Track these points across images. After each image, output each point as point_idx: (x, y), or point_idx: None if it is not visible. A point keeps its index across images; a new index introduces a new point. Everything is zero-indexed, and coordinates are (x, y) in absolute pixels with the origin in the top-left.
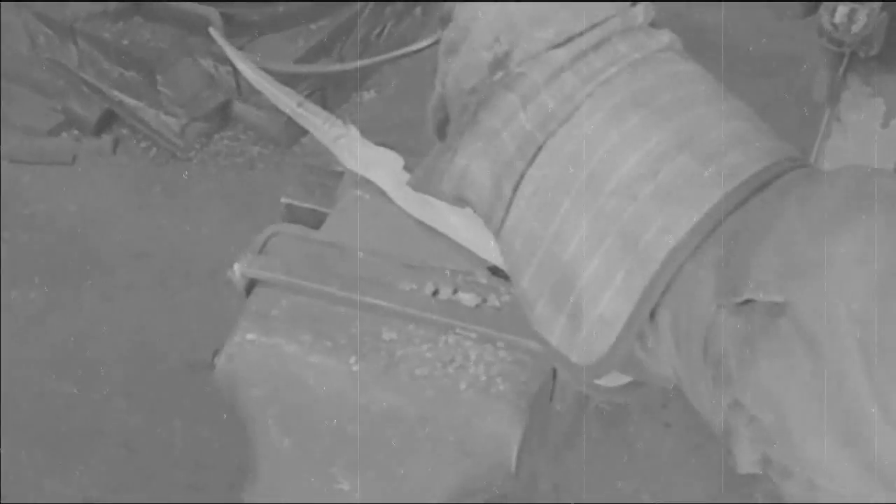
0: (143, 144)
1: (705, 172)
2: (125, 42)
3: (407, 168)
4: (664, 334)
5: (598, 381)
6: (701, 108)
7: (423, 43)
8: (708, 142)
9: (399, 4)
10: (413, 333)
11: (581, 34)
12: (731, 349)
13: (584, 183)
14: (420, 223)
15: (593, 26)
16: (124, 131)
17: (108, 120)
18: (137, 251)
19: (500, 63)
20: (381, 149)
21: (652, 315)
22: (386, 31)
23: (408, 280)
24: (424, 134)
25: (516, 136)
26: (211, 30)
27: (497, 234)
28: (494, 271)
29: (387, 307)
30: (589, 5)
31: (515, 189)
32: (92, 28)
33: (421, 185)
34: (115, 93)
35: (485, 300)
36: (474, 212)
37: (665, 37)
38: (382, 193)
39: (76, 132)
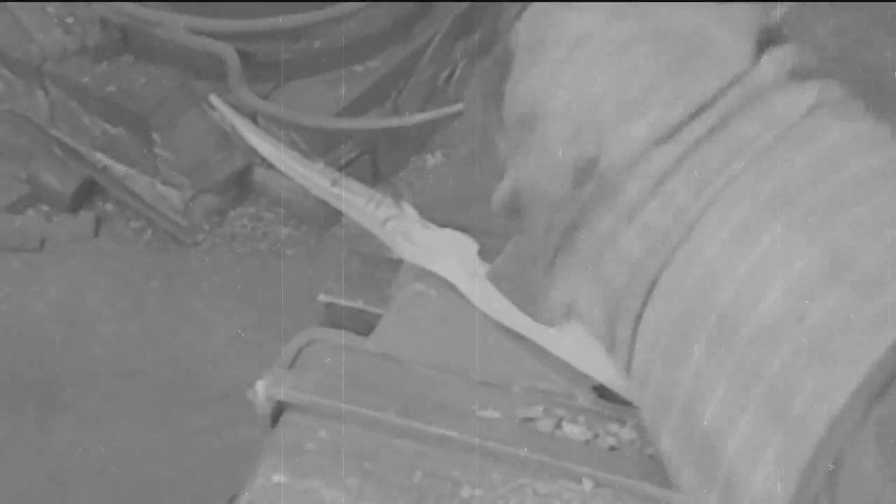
0: (134, 224)
1: (869, 311)
2: (111, 89)
3: (482, 254)
4: None
5: None
6: (865, 204)
7: None
8: (874, 262)
9: (474, 40)
10: (498, 477)
11: (688, 121)
12: None
13: (716, 326)
14: (502, 328)
15: (702, 108)
16: (109, 207)
17: (88, 192)
18: (128, 366)
19: (586, 172)
20: (448, 231)
21: (816, 499)
22: (456, 74)
23: (489, 404)
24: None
25: (623, 267)
26: (212, 97)
27: (626, 369)
28: (601, 392)
29: (461, 440)
30: (694, 74)
31: (634, 332)
32: (67, 70)
33: (502, 281)
34: (98, 156)
35: (596, 435)
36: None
37: (810, 94)
38: (451, 288)
39: (46, 208)
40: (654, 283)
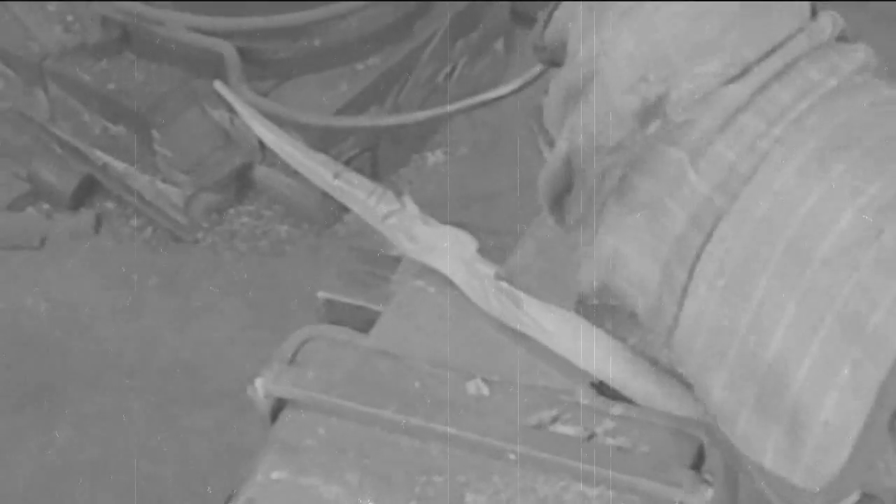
0: (134, 222)
1: None
2: (111, 87)
3: (482, 252)
4: None
5: None
6: None
7: (507, 88)
8: None
9: (474, 38)
10: (494, 473)
11: (758, 62)
12: None
13: (784, 254)
14: (501, 325)
15: (773, 49)
16: (109, 205)
17: (88, 189)
18: (128, 364)
19: (652, 110)
20: (449, 228)
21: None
22: (457, 72)
23: (489, 401)
24: (507, 209)
25: (687, 204)
26: (216, 83)
27: (669, 334)
28: (600, 390)
29: (460, 437)
30: (763, 21)
31: (692, 272)
32: (67, 68)
33: (520, 276)
34: (98, 154)
35: (593, 434)
36: (630, 309)
37: (860, 53)
38: (450, 285)
39: (46, 206)
40: (719, 218)
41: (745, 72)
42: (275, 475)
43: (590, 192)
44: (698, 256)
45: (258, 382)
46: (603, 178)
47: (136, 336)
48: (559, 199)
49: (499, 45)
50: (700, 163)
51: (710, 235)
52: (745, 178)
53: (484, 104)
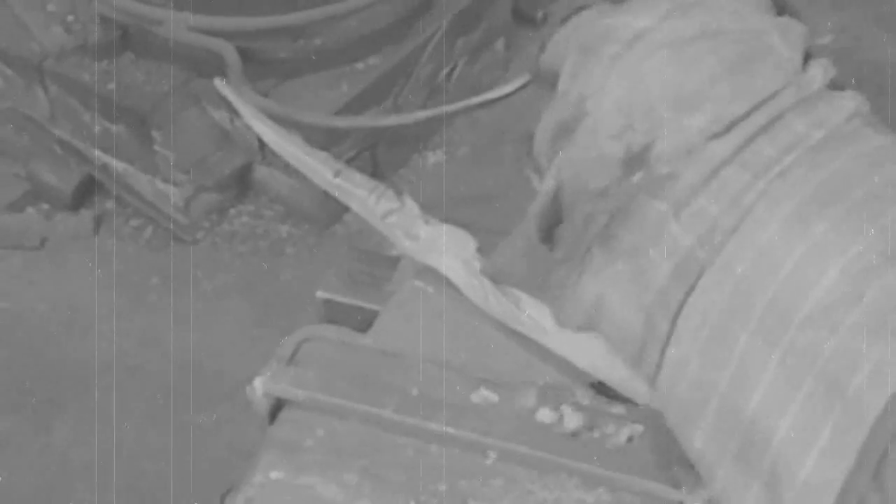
0: (134, 222)
1: None
2: (111, 87)
3: (482, 252)
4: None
5: None
6: None
7: (507, 88)
8: None
9: (474, 37)
10: (494, 475)
11: (745, 116)
12: None
13: (766, 311)
14: (500, 324)
15: (760, 103)
16: (109, 205)
17: (88, 189)
18: (128, 364)
19: (636, 159)
20: (449, 227)
21: (875, 475)
22: (457, 71)
23: (485, 400)
24: (506, 209)
25: (670, 256)
26: (217, 82)
27: (652, 380)
28: (599, 389)
29: (458, 436)
30: (752, 73)
31: (674, 323)
32: (67, 68)
33: (501, 274)
34: (98, 154)
35: (596, 434)
36: (615, 352)
37: (850, 102)
38: (449, 285)
39: (46, 206)
40: (702, 271)
41: (730, 127)
42: (273, 475)
43: (576, 233)
44: (681, 308)
45: (257, 382)
46: (588, 223)
47: (137, 336)
48: (550, 231)
49: (499, 44)
50: (683, 215)
51: (692, 288)
52: (729, 231)
53: (484, 104)
